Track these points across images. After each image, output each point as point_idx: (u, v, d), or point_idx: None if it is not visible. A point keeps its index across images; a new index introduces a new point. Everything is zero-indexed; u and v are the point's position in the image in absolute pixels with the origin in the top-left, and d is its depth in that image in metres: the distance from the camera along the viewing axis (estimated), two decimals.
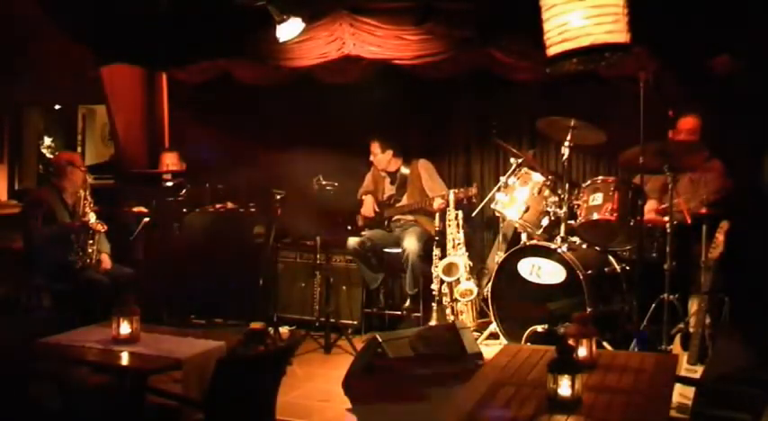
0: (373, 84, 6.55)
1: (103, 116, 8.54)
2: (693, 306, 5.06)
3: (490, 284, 5.65)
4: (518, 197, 5.75)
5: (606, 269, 5.41)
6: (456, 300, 5.94)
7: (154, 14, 5.71)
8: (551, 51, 3.50)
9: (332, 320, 5.91)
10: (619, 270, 5.43)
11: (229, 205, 6.75)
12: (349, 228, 5.98)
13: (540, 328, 5.26)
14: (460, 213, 6.03)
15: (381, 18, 5.50)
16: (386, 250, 6.36)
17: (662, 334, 4.81)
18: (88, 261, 5.55)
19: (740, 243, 4.62)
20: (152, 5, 5.51)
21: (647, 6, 3.89)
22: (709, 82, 5.33)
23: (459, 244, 5.99)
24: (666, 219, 5.00)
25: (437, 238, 6.04)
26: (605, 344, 5.08)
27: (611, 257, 5.50)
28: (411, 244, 6.10)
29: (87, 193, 5.63)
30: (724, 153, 5.36)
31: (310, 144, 7.20)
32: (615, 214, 5.20)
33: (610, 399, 2.69)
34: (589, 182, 5.50)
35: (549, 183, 5.76)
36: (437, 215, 6.04)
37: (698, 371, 4.06)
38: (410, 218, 6.39)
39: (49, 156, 8.94)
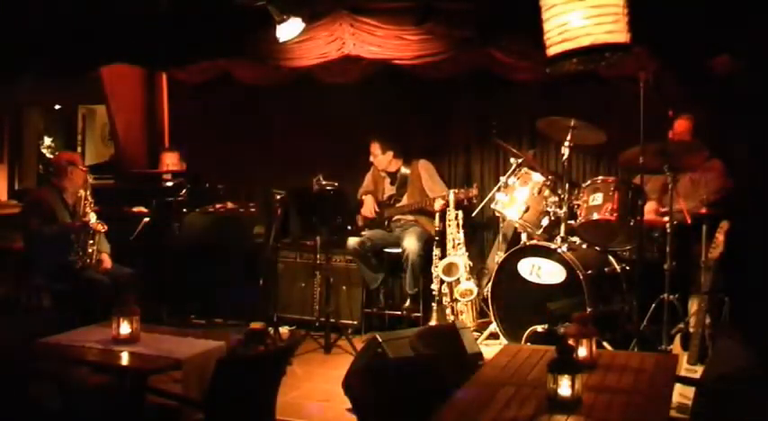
0: (373, 84, 6.56)
1: (103, 116, 8.54)
2: (693, 306, 5.06)
3: (490, 284, 5.65)
4: (518, 197, 5.75)
5: (606, 269, 5.41)
6: (456, 300, 5.94)
7: (154, 14, 5.71)
8: (551, 51, 3.50)
9: (332, 320, 5.91)
10: (619, 270, 5.43)
11: (229, 205, 6.74)
12: (349, 228, 5.97)
13: (540, 328, 5.26)
14: (460, 213, 6.03)
15: (381, 18, 5.50)
16: (386, 250, 6.36)
17: (662, 334, 4.81)
18: (88, 261, 5.55)
19: (740, 243, 4.63)
20: (152, 5, 5.51)
21: (647, 6, 3.89)
22: (710, 82, 5.33)
23: (459, 244, 5.99)
24: (666, 219, 5.00)
25: (437, 238, 6.04)
26: (605, 344, 5.08)
27: (611, 257, 5.50)
28: (411, 244, 6.10)
29: (88, 193, 5.63)
30: (724, 153, 5.36)
31: (310, 144, 7.22)
32: (615, 214, 5.20)
33: (610, 399, 2.69)
34: (589, 182, 5.50)
35: (549, 183, 5.75)
36: (437, 215, 6.04)
37: (698, 371, 4.06)
38: (410, 218, 6.39)
39: (49, 156, 8.95)
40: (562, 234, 5.49)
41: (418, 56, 5.56)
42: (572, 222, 5.48)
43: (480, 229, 6.62)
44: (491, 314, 5.64)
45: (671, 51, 4.90)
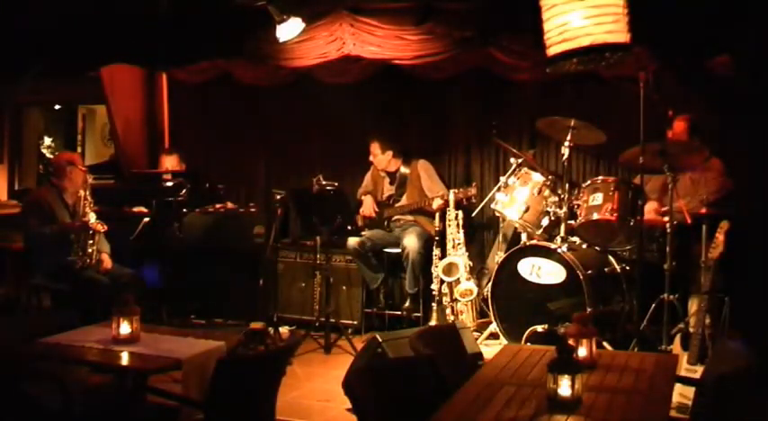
0: (373, 84, 6.56)
1: (103, 116, 8.55)
2: (693, 306, 5.06)
3: (490, 284, 5.65)
4: (518, 197, 5.75)
5: (606, 269, 5.41)
6: (456, 300, 5.94)
7: (154, 14, 5.71)
8: (551, 51, 3.51)
9: (332, 320, 5.91)
10: (619, 270, 5.43)
11: (229, 205, 6.74)
12: (349, 228, 5.97)
13: (540, 328, 5.26)
14: (460, 213, 6.03)
15: (381, 18, 5.50)
16: (386, 250, 6.37)
17: (662, 334, 4.81)
18: (88, 261, 5.55)
19: (740, 243, 4.62)
20: (152, 5, 5.51)
21: (647, 6, 3.89)
22: (710, 82, 5.33)
23: (459, 244, 5.99)
24: (666, 219, 5.00)
25: (437, 238, 6.04)
26: (605, 344, 5.08)
27: (611, 257, 5.50)
28: (411, 242, 6.11)
29: (87, 193, 5.63)
30: (724, 153, 5.36)
31: (310, 144, 7.22)
32: (615, 214, 5.21)
33: (610, 399, 2.69)
34: (589, 182, 5.50)
35: (549, 183, 5.76)
36: (437, 215, 6.04)
37: (698, 371, 4.06)
38: (410, 218, 6.39)
39: (49, 156, 8.96)
40: (562, 234, 5.49)
41: (418, 56, 5.57)
42: (572, 222, 5.48)
43: (480, 229, 6.62)
44: (491, 314, 5.64)
45: (671, 51, 4.90)
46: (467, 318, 5.91)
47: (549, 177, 5.82)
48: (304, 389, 4.96)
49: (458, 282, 5.93)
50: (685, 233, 5.06)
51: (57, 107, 9.80)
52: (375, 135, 6.42)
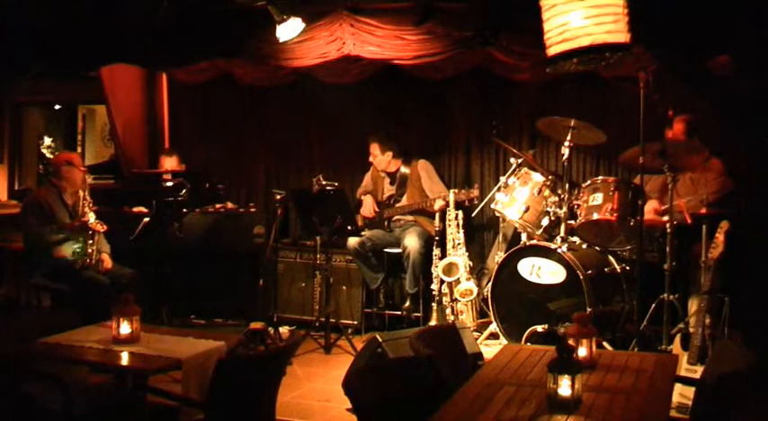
0: (373, 84, 6.56)
1: (103, 116, 8.54)
2: (693, 306, 5.06)
3: (490, 284, 5.65)
4: (518, 197, 5.75)
5: (606, 269, 5.41)
6: (456, 300, 5.94)
7: (154, 14, 5.71)
8: (551, 51, 3.51)
9: (332, 320, 5.91)
10: (619, 270, 5.43)
11: (229, 205, 6.75)
12: (349, 228, 5.97)
13: (540, 328, 5.27)
14: (460, 213, 6.03)
15: (381, 18, 5.50)
16: (386, 250, 6.37)
17: (662, 334, 4.81)
18: (88, 261, 5.55)
19: (740, 243, 4.62)
20: (152, 5, 5.51)
21: (647, 6, 3.90)
22: (710, 82, 5.33)
23: (459, 244, 5.99)
24: (666, 219, 5.00)
25: (437, 238, 6.04)
26: (605, 344, 5.09)
27: (611, 257, 5.50)
28: (412, 242, 6.11)
29: (87, 193, 5.63)
30: (724, 153, 5.36)
31: (310, 144, 7.22)
32: (615, 214, 5.21)
33: (610, 399, 2.69)
34: (589, 182, 5.50)
35: (549, 183, 5.76)
36: (437, 215, 6.04)
37: (698, 371, 4.06)
38: (410, 218, 6.39)
39: (49, 156, 8.95)
40: (562, 234, 5.50)
41: (418, 56, 5.56)
42: (572, 222, 5.49)
43: (480, 229, 6.62)
44: (491, 314, 5.64)
45: (671, 51, 4.90)
46: (467, 318, 5.91)
47: (549, 177, 5.82)
48: (304, 389, 4.96)
49: (458, 282, 5.93)
50: (685, 233, 5.06)
51: (57, 107, 9.79)
52: (375, 136, 6.42)
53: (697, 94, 5.24)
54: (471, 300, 5.93)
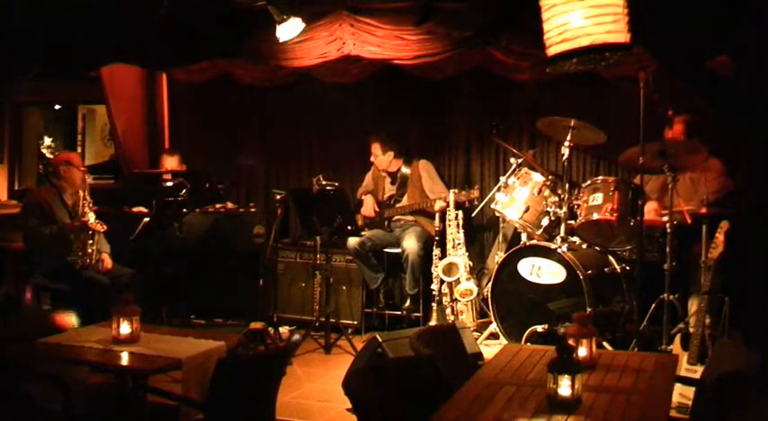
0: (373, 84, 6.56)
1: (103, 116, 8.54)
2: (693, 306, 5.06)
3: (490, 284, 5.65)
4: (518, 197, 5.75)
5: (606, 269, 5.41)
6: (456, 300, 5.94)
7: (154, 14, 5.70)
8: (551, 51, 3.50)
9: (332, 320, 5.91)
10: (619, 270, 5.43)
11: (229, 205, 6.75)
12: (349, 228, 5.97)
13: (540, 328, 5.27)
14: (460, 213, 6.03)
15: (381, 18, 5.50)
16: (386, 250, 6.37)
17: (662, 334, 4.81)
18: (88, 261, 5.55)
19: (740, 243, 4.62)
20: (152, 5, 5.50)
21: (647, 6, 3.89)
22: (710, 82, 5.33)
23: (459, 244, 5.99)
24: (666, 219, 5.00)
25: (437, 238, 6.04)
26: (605, 344, 5.09)
27: (611, 257, 5.50)
28: (411, 244, 6.10)
29: (86, 193, 5.63)
30: (724, 153, 5.36)
31: (310, 144, 7.22)
32: (615, 214, 5.21)
33: (610, 399, 2.69)
34: (589, 182, 5.50)
35: (549, 183, 5.76)
36: (437, 215, 6.04)
37: (698, 371, 4.06)
38: (410, 218, 6.39)
39: (49, 156, 8.95)
40: (562, 234, 5.50)
41: (418, 56, 5.56)
42: (572, 222, 5.49)
43: (480, 229, 6.62)
44: (491, 314, 5.64)
45: (671, 51, 4.89)
46: (467, 318, 5.91)
47: (549, 177, 5.82)
48: (304, 389, 4.96)
49: (458, 282, 5.93)
50: (685, 233, 5.06)
51: (57, 107, 9.79)
52: (376, 135, 6.42)
53: (697, 94, 5.24)
54: (471, 300, 5.94)
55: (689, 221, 5.01)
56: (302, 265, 6.54)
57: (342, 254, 6.34)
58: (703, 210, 4.86)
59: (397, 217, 6.44)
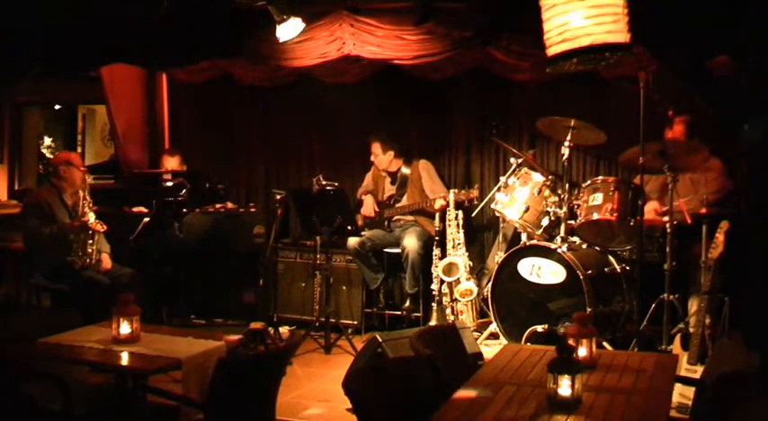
0: (373, 84, 6.56)
1: (103, 116, 8.55)
2: (693, 306, 5.06)
3: (490, 284, 5.65)
4: (518, 197, 5.75)
5: (606, 269, 5.41)
6: (456, 300, 5.94)
7: (154, 14, 5.71)
8: (551, 51, 3.50)
9: (332, 320, 5.91)
10: (619, 270, 5.43)
11: (229, 205, 6.75)
12: (349, 228, 5.97)
13: (540, 328, 5.27)
14: (460, 213, 6.03)
15: (381, 18, 5.50)
16: (386, 250, 6.37)
17: (662, 334, 4.81)
18: (88, 261, 5.55)
19: (740, 243, 4.62)
20: (152, 5, 5.50)
21: (647, 6, 3.89)
22: (710, 82, 5.33)
23: (459, 244, 5.99)
24: (666, 219, 5.00)
25: (437, 238, 6.04)
26: (605, 344, 5.09)
27: (611, 257, 5.50)
28: (411, 243, 6.10)
29: (86, 193, 5.63)
30: (724, 153, 5.36)
31: (310, 144, 7.22)
32: (615, 214, 5.21)
33: (610, 399, 2.69)
34: (589, 182, 5.50)
35: (549, 183, 5.76)
36: (437, 215, 6.04)
37: (698, 371, 4.06)
38: (410, 218, 6.39)
39: (49, 156, 8.96)
40: (562, 234, 5.50)
41: (418, 56, 5.56)
42: (572, 222, 5.49)
43: (480, 229, 6.62)
44: (491, 314, 5.64)
45: (671, 51, 4.90)
46: (467, 318, 5.91)
47: (549, 177, 5.82)
48: (304, 389, 4.96)
49: (458, 282, 5.93)
50: (685, 233, 5.06)
51: (57, 107, 9.80)
52: (377, 135, 6.41)
53: (697, 94, 5.24)
54: (471, 300, 5.93)
55: (689, 221, 5.01)
56: (302, 265, 6.54)
57: (342, 254, 6.34)
58: (703, 210, 4.86)
59: (396, 217, 6.44)
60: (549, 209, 5.64)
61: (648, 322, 5.10)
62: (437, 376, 2.92)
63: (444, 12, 5.36)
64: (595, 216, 5.28)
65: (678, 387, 3.69)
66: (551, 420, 2.50)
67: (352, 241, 6.22)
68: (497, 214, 5.95)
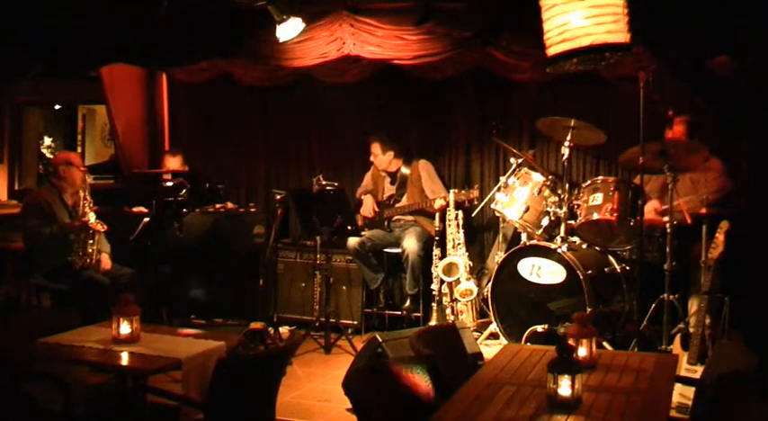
0: (373, 84, 6.56)
1: (103, 116, 8.55)
2: (693, 306, 5.06)
3: (490, 284, 5.65)
4: (518, 197, 5.75)
5: (606, 269, 5.41)
6: (456, 300, 5.94)
7: (154, 14, 5.71)
8: (551, 51, 3.51)
9: (332, 320, 5.91)
10: (619, 270, 5.43)
11: (229, 205, 6.75)
12: (349, 228, 5.97)
13: (540, 328, 5.27)
14: (460, 213, 6.03)
15: (381, 18, 5.50)
16: (386, 250, 6.37)
17: (662, 334, 4.81)
18: (88, 261, 5.55)
19: (740, 243, 4.62)
20: (152, 5, 5.51)
21: (647, 6, 3.89)
22: (710, 82, 5.33)
23: (459, 244, 5.99)
24: (666, 219, 5.00)
25: (437, 238, 6.04)
26: (605, 344, 5.09)
27: (611, 257, 5.50)
28: (411, 244, 6.10)
29: (87, 193, 5.63)
30: (724, 153, 5.36)
31: (310, 144, 7.22)
32: (615, 214, 5.21)
33: (610, 399, 2.69)
34: (589, 182, 5.50)
35: (549, 183, 5.76)
36: (437, 215, 6.04)
37: (698, 371, 4.06)
38: (410, 218, 6.39)
39: (49, 156, 8.96)
40: (562, 234, 5.50)
41: (418, 56, 5.56)
42: (572, 222, 5.49)
43: (480, 229, 6.62)
44: (491, 314, 5.64)
45: (671, 51, 4.90)
46: (467, 318, 5.91)
47: (549, 177, 5.82)
48: (304, 389, 4.96)
49: (458, 282, 5.93)
50: (685, 233, 5.06)
51: (57, 107, 9.80)
52: (376, 135, 6.42)
53: (697, 94, 5.24)
54: (471, 300, 5.94)
55: (689, 221, 5.01)
56: (302, 265, 6.54)
57: (342, 254, 6.34)
58: (703, 210, 4.86)
59: (396, 217, 6.44)
60: (549, 209, 5.64)
61: (648, 322, 5.10)
62: (437, 376, 2.92)
63: (444, 12, 5.36)
64: (595, 216, 5.28)
65: (678, 387, 3.69)
66: (551, 420, 2.50)
67: (352, 241, 6.22)
68: (497, 214, 5.95)
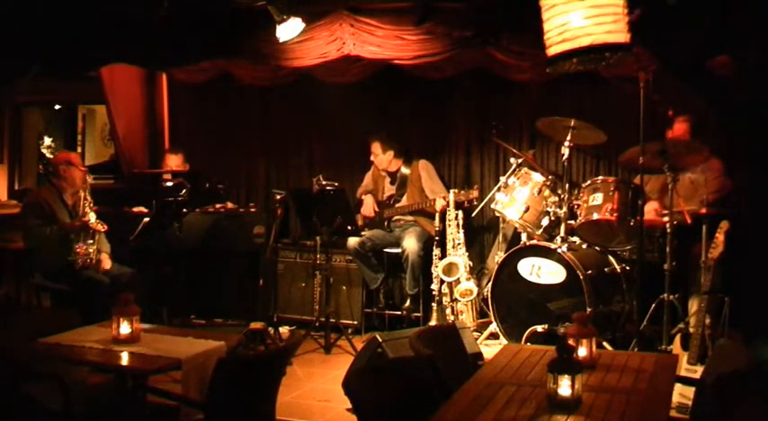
0: (373, 84, 6.56)
1: (103, 116, 8.55)
2: (693, 306, 5.06)
3: (490, 284, 5.65)
4: (518, 197, 5.75)
5: (606, 269, 5.41)
6: (456, 300, 5.94)
7: (154, 14, 5.71)
8: (551, 51, 3.50)
9: (332, 320, 5.91)
10: (619, 270, 5.43)
11: (229, 205, 6.75)
12: (349, 228, 5.97)
13: (540, 328, 5.27)
14: (460, 213, 6.03)
15: (381, 18, 5.50)
16: (386, 250, 6.37)
17: (662, 334, 4.81)
18: (88, 261, 5.55)
19: (740, 243, 4.62)
20: (152, 5, 5.51)
21: (647, 6, 3.89)
22: (710, 82, 5.33)
23: (459, 244, 5.99)
24: (666, 219, 5.00)
25: (437, 238, 6.04)
26: (605, 344, 5.09)
27: (611, 257, 5.50)
28: (411, 244, 6.10)
29: (87, 193, 5.63)
30: (724, 153, 5.36)
31: (310, 144, 7.23)
32: (615, 214, 5.21)
33: (610, 399, 2.69)
34: (589, 182, 5.51)
35: (549, 183, 5.76)
36: (437, 215, 6.04)
37: (698, 371, 4.06)
38: (410, 218, 6.39)
39: (49, 156, 8.96)
40: (562, 234, 5.50)
41: (418, 56, 5.56)
42: (572, 222, 5.49)
43: (480, 229, 6.62)
44: (491, 314, 5.64)
45: (671, 51, 4.90)
46: (467, 318, 5.91)
47: (549, 177, 5.82)
48: (304, 389, 4.96)
49: (458, 282, 5.93)
50: (685, 233, 5.06)
51: (57, 107, 9.80)
52: (376, 135, 6.42)
53: (697, 94, 5.24)
54: (471, 300, 5.93)
55: (689, 221, 5.01)
56: (302, 265, 6.54)
57: (342, 254, 6.34)
58: (703, 211, 4.86)
59: (396, 217, 6.44)
60: (549, 209, 5.64)
61: (648, 322, 5.11)
62: (437, 376, 2.92)
63: (444, 12, 5.37)
64: (595, 216, 5.28)
65: (678, 387, 3.69)
66: (551, 420, 2.49)
67: (352, 241, 6.22)
68: (497, 214, 5.95)
